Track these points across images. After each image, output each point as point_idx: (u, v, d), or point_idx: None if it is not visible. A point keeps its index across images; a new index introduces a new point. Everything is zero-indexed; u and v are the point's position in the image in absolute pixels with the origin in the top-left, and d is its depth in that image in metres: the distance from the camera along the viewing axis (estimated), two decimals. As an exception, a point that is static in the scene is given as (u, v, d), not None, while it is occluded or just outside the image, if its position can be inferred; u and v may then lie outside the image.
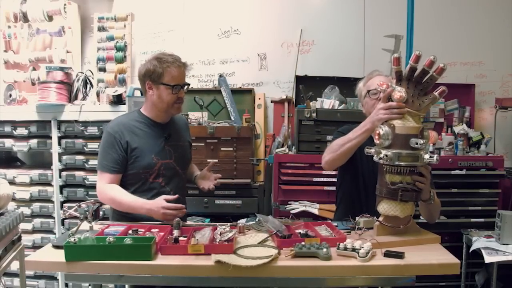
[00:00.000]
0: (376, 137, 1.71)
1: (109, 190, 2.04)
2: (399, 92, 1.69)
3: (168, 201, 1.94)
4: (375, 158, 1.73)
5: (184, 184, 2.27)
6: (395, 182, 1.71)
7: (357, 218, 1.89)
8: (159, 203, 1.94)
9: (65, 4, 3.28)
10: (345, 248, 1.59)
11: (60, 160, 3.04)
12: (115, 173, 2.06)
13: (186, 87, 2.11)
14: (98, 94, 3.10)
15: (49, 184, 3.07)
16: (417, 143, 1.64)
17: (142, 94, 3.11)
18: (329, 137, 3.00)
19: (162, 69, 2.02)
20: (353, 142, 1.89)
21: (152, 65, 2.03)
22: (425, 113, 1.76)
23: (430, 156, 1.68)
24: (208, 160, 2.62)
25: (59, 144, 3.03)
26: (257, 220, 1.96)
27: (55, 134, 3.01)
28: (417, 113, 1.70)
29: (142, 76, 2.08)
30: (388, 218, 1.76)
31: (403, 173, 1.69)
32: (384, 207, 1.76)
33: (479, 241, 2.56)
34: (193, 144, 2.38)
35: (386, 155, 1.67)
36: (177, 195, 1.99)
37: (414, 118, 1.71)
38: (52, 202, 3.06)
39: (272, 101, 3.54)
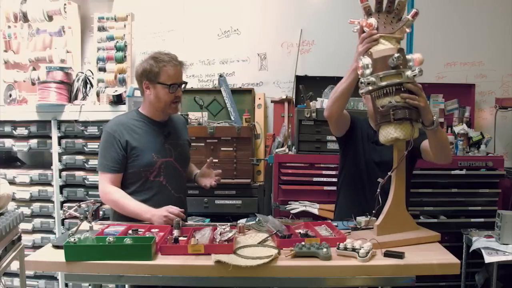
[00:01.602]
0: (359, 71, 1.74)
1: (112, 193, 2.04)
2: (367, 20, 1.72)
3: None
4: (362, 91, 1.75)
5: (184, 183, 2.26)
6: (385, 104, 1.71)
7: (358, 218, 1.89)
8: (163, 212, 1.93)
9: (65, 4, 3.28)
10: (345, 248, 1.59)
11: (60, 160, 3.04)
12: (116, 173, 2.05)
13: (183, 85, 2.11)
14: (98, 94, 3.10)
15: (49, 184, 3.07)
16: (393, 59, 1.65)
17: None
18: (329, 137, 3.00)
19: (159, 68, 2.02)
20: (344, 85, 1.91)
21: (148, 65, 2.04)
22: (401, 35, 1.76)
23: (413, 70, 1.68)
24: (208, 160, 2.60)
25: (59, 144, 3.03)
26: (257, 220, 1.96)
27: (55, 134, 3.01)
28: (392, 36, 1.73)
29: (139, 76, 2.08)
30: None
31: (390, 93, 1.69)
32: (383, 133, 1.75)
33: (479, 241, 2.56)
34: (193, 144, 2.39)
35: (368, 79, 1.69)
36: (182, 209, 1.97)
37: (390, 41, 1.73)
38: (52, 202, 3.06)
39: (272, 101, 3.54)
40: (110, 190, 2.04)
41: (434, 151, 1.95)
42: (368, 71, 1.71)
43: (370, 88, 1.70)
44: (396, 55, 1.65)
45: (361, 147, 2.16)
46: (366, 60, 1.71)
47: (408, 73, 1.68)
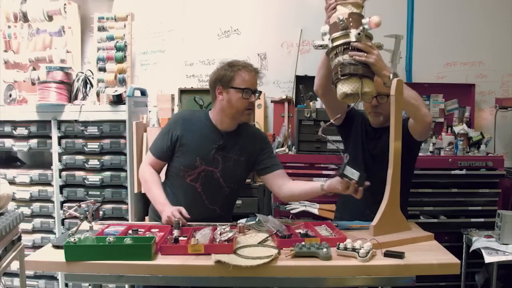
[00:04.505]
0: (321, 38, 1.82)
1: (146, 172, 2.13)
2: None
3: (181, 212, 1.92)
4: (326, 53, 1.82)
5: (228, 199, 2.17)
6: (336, 64, 1.76)
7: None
8: (168, 212, 1.92)
9: (65, 4, 3.28)
10: (345, 248, 1.59)
11: (60, 160, 3.03)
12: (157, 158, 2.13)
13: (257, 94, 2.07)
14: (98, 94, 3.09)
15: (49, 184, 3.07)
16: (338, 22, 1.71)
17: (146, 95, 3.16)
18: (329, 137, 2.99)
19: (233, 72, 2.01)
20: (322, 57, 1.98)
21: (223, 70, 2.04)
22: (359, 0, 1.80)
23: (358, 30, 1.71)
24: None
25: (59, 144, 3.02)
26: (257, 220, 1.96)
27: (55, 134, 3.00)
28: (347, 2, 1.77)
29: (213, 82, 2.07)
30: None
31: (339, 53, 1.74)
32: (337, 91, 1.77)
33: (479, 241, 2.56)
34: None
35: (321, 42, 1.79)
36: (189, 217, 1.93)
37: (346, 7, 1.77)
38: (52, 202, 3.06)
39: (272, 101, 3.54)
40: (146, 169, 2.14)
41: (408, 112, 1.93)
42: (326, 37, 1.79)
43: (325, 51, 1.80)
44: (340, 17, 1.71)
45: (359, 139, 2.20)
46: (323, 28, 1.80)
47: (355, 32, 1.72)
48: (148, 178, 2.11)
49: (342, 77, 1.71)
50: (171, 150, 2.09)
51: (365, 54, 1.72)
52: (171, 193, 2.10)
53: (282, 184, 2.12)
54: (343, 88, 1.72)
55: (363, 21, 1.73)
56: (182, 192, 2.09)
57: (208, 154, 2.06)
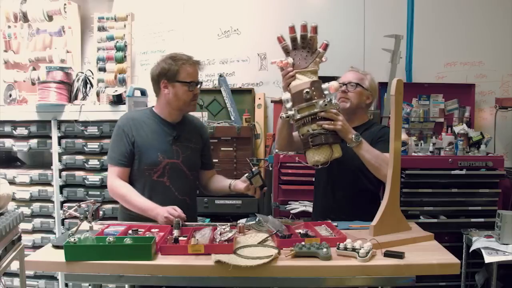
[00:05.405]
0: (283, 105, 1.91)
1: (119, 187, 2.05)
2: (280, 61, 1.89)
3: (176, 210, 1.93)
4: (292, 121, 1.91)
5: (192, 187, 2.25)
6: (305, 133, 1.85)
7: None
8: (164, 212, 1.92)
9: (65, 4, 3.28)
10: (345, 248, 1.59)
11: (60, 160, 3.04)
12: (123, 166, 2.08)
13: (199, 85, 2.12)
14: (98, 94, 3.10)
15: (49, 184, 3.07)
16: (304, 94, 1.81)
17: (147, 95, 3.13)
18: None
19: (178, 66, 2.03)
20: (278, 120, 2.10)
21: (167, 64, 2.04)
22: (315, 67, 1.89)
23: (324, 101, 1.81)
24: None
25: (59, 144, 3.02)
26: (257, 220, 1.96)
27: (55, 134, 3.00)
28: (305, 70, 1.87)
29: (156, 75, 2.07)
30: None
31: (307, 123, 1.84)
32: (307, 157, 1.89)
33: (479, 241, 2.56)
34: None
35: (287, 113, 1.87)
36: (184, 215, 1.94)
37: (306, 75, 1.86)
38: (52, 202, 3.06)
39: (272, 101, 3.54)
40: (117, 184, 2.06)
41: (367, 166, 1.96)
42: (288, 105, 1.87)
43: (292, 121, 1.88)
44: (306, 90, 1.81)
45: None
46: (285, 95, 1.89)
47: (321, 102, 1.81)
48: (124, 191, 2.04)
49: (313, 147, 1.83)
50: (133, 153, 2.07)
51: (332, 122, 1.83)
52: None
53: (208, 179, 2.30)
54: (315, 157, 1.85)
55: (323, 86, 1.84)
56: (152, 191, 2.07)
57: (166, 147, 2.09)
